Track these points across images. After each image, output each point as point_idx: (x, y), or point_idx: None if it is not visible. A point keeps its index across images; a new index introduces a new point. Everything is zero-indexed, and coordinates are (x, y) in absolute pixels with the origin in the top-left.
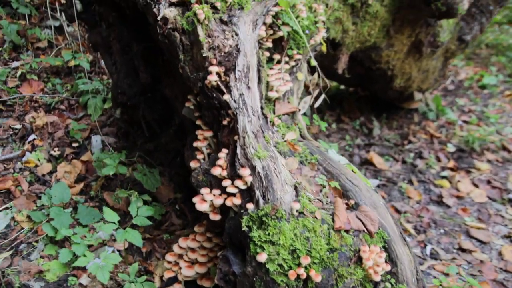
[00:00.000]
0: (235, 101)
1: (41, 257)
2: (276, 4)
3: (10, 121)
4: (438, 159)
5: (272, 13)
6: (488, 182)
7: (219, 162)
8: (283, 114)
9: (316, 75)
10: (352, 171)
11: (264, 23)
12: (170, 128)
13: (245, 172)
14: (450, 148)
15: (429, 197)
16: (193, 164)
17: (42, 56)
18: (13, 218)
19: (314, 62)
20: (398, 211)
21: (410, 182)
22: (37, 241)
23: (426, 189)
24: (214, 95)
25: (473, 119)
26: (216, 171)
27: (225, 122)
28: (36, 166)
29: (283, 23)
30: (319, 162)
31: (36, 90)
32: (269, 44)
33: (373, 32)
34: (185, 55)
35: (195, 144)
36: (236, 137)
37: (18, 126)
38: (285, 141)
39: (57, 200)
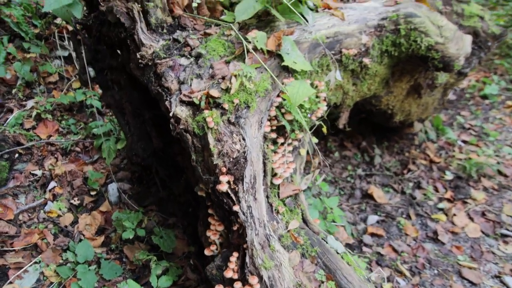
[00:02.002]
0: (243, 213)
1: None
2: (279, 94)
3: (30, 166)
4: (436, 189)
5: (276, 104)
6: (483, 214)
7: (231, 265)
8: (287, 197)
9: (316, 159)
10: (348, 263)
11: (269, 118)
12: (181, 183)
13: (253, 280)
14: (448, 176)
15: (425, 233)
16: (207, 252)
17: (54, 91)
18: (42, 272)
19: (315, 146)
20: (395, 251)
21: (408, 216)
22: None
23: (423, 224)
24: (225, 201)
25: (473, 139)
26: (228, 274)
27: (235, 228)
28: (59, 216)
29: (286, 112)
30: (319, 255)
31: (51, 131)
32: (274, 135)
33: (373, 87)
34: (197, 156)
35: (208, 234)
36: (245, 245)
37: (38, 172)
38: (288, 231)
39: (82, 258)
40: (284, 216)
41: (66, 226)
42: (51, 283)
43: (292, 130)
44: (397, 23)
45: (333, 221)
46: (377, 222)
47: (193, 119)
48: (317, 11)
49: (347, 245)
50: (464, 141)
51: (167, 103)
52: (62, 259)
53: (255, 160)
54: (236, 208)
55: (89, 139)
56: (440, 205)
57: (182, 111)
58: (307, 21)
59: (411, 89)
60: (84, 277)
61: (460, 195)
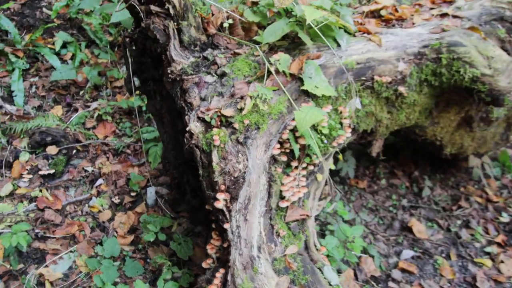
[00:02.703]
0: (232, 232)
1: None
2: (294, 118)
3: (84, 163)
4: (487, 231)
5: (291, 127)
6: None
7: (215, 281)
8: (293, 221)
9: (327, 187)
10: None
11: (280, 141)
12: None
13: None
14: (505, 218)
15: (463, 277)
16: (204, 265)
17: (118, 95)
18: (74, 261)
19: (327, 175)
20: None
21: (448, 256)
22: (90, 287)
23: (463, 266)
24: (220, 217)
25: None
26: None
27: (225, 245)
28: (99, 211)
29: (300, 136)
30: (308, 284)
31: (108, 132)
32: (284, 158)
33: (413, 117)
34: (203, 171)
35: (207, 247)
36: (229, 264)
37: (90, 169)
38: (284, 255)
39: (108, 253)
40: (284, 240)
41: (103, 222)
42: (80, 272)
43: (307, 155)
44: (438, 51)
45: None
46: (412, 257)
47: (204, 136)
48: (354, 36)
49: (373, 278)
50: None
51: (186, 117)
52: (93, 252)
53: (253, 181)
54: (226, 226)
55: (140, 143)
56: (488, 249)
57: (196, 127)
58: (339, 45)
59: (462, 121)
60: (106, 272)
61: None
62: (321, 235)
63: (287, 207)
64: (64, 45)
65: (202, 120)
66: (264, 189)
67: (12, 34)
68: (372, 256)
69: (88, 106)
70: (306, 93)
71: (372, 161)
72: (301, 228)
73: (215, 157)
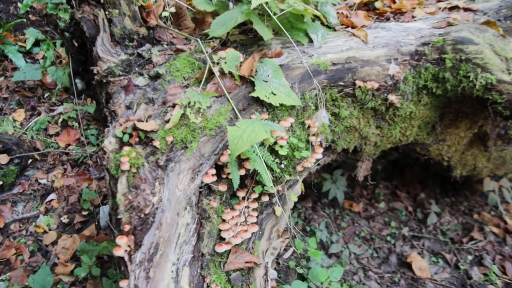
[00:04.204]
0: None
1: None
2: None
3: (39, 174)
4: (504, 270)
5: None
6: None
7: None
8: (235, 270)
9: (281, 224)
10: None
11: (219, 164)
12: None
13: None
14: None
15: None
16: None
17: (89, 98)
18: None
19: (290, 207)
20: None
21: None
22: None
23: None
24: (122, 269)
25: None
26: None
27: None
28: (45, 232)
29: (246, 159)
30: None
31: (72, 140)
32: (222, 188)
33: (410, 133)
34: (112, 202)
35: None
36: None
37: (44, 181)
38: None
39: (38, 287)
40: None
41: (46, 245)
42: None
43: (258, 182)
44: (442, 50)
45: None
46: None
47: (115, 156)
48: (335, 30)
49: None
50: None
51: (106, 130)
52: (27, 282)
53: (167, 222)
54: (122, 284)
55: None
56: None
57: (110, 144)
58: (311, 41)
59: (474, 138)
60: None
61: None
62: (287, 276)
63: (229, 251)
64: (38, 43)
65: (116, 135)
66: (189, 230)
67: None
68: None
69: (53, 110)
70: (260, 102)
71: (373, 178)
72: (246, 280)
73: (121, 186)
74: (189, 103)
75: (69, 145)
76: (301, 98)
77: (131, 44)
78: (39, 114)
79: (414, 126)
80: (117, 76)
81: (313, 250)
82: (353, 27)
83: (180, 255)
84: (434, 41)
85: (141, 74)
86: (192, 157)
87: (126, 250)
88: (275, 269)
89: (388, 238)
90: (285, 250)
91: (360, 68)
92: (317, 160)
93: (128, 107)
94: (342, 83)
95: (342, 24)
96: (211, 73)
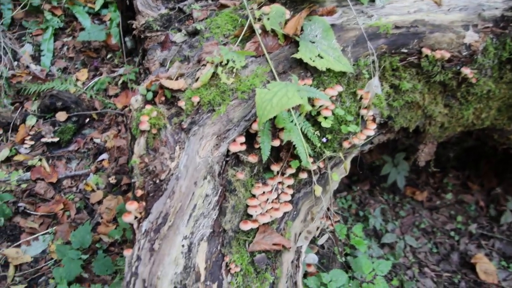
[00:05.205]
0: (129, 264)
1: None
2: None
3: (95, 134)
4: None
5: None
6: None
7: None
8: (261, 251)
9: (318, 207)
10: None
11: (251, 132)
12: None
13: None
14: None
15: None
16: None
17: None
18: (49, 245)
19: (332, 188)
20: None
21: None
22: (54, 278)
23: None
24: (132, 237)
25: None
26: None
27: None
28: (93, 191)
29: (281, 128)
30: None
31: (128, 102)
32: (253, 159)
33: (486, 116)
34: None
35: None
36: None
37: (98, 141)
38: None
39: (77, 243)
40: (236, 279)
41: (92, 204)
42: (51, 259)
43: (295, 157)
44: None
45: None
46: None
47: (138, 114)
48: None
49: None
50: None
51: (136, 88)
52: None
53: (180, 191)
54: (126, 253)
55: None
56: None
57: (136, 102)
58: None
59: None
60: (68, 265)
61: None
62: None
63: (256, 230)
64: (106, 5)
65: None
66: (208, 202)
67: None
68: None
69: (114, 72)
70: (304, 65)
71: (442, 167)
72: (271, 264)
73: (138, 147)
74: (221, 61)
75: (126, 106)
76: (353, 65)
77: None
78: (101, 74)
79: (492, 108)
80: (155, 32)
81: (357, 239)
82: None
83: (195, 228)
84: None
85: (180, 30)
86: (219, 121)
87: (136, 217)
88: (317, 253)
89: (452, 233)
90: (322, 234)
91: (429, 33)
92: (368, 137)
93: (162, 65)
94: (406, 50)
95: None
96: (252, 31)
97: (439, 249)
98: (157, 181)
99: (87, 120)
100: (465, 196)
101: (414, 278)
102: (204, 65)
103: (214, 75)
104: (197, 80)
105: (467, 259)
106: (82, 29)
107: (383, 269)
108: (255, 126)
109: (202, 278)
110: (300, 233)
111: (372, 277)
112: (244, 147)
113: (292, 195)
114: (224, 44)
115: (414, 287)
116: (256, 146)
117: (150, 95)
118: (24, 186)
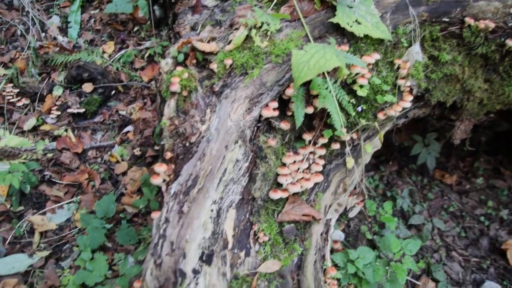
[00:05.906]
0: (157, 226)
1: (70, 267)
2: None
3: (120, 106)
4: None
5: None
6: None
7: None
8: (290, 222)
9: (350, 178)
10: None
11: (284, 98)
12: None
13: None
14: None
15: None
16: None
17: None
18: (74, 213)
19: (365, 161)
20: None
21: None
22: (78, 246)
23: None
24: (160, 199)
25: None
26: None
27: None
28: (117, 162)
29: (316, 95)
30: None
31: (154, 75)
32: (285, 126)
33: None
34: (159, 128)
35: None
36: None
37: (124, 113)
38: (255, 273)
39: (101, 213)
40: (264, 248)
41: (117, 175)
42: (76, 227)
43: (329, 126)
44: None
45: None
46: None
47: (168, 76)
48: None
49: None
50: None
51: (166, 52)
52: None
53: (211, 154)
54: (154, 215)
55: None
56: None
57: (166, 65)
58: None
59: None
60: (92, 234)
61: None
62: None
63: (285, 200)
64: None
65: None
66: (238, 167)
67: None
68: (436, 281)
69: (141, 45)
70: (341, 30)
71: (472, 151)
72: (300, 235)
73: (168, 109)
74: (255, 24)
75: (152, 79)
76: (392, 32)
77: None
78: (127, 47)
79: None
80: None
81: (387, 216)
82: None
83: (224, 194)
84: None
85: None
86: (251, 84)
87: (164, 180)
88: (343, 230)
89: (482, 218)
90: (352, 208)
91: (473, 2)
92: (404, 109)
93: (193, 29)
94: (447, 19)
95: None
96: None
97: (468, 233)
98: (187, 144)
99: (113, 92)
100: (497, 181)
101: (441, 261)
102: (237, 28)
103: (248, 38)
104: (229, 42)
105: (497, 245)
106: (109, 1)
107: (411, 249)
108: (288, 92)
109: (230, 246)
110: (330, 206)
111: (400, 256)
112: (276, 113)
113: (324, 166)
114: (260, 8)
115: (441, 270)
116: (289, 113)
117: (181, 57)
118: (50, 155)
